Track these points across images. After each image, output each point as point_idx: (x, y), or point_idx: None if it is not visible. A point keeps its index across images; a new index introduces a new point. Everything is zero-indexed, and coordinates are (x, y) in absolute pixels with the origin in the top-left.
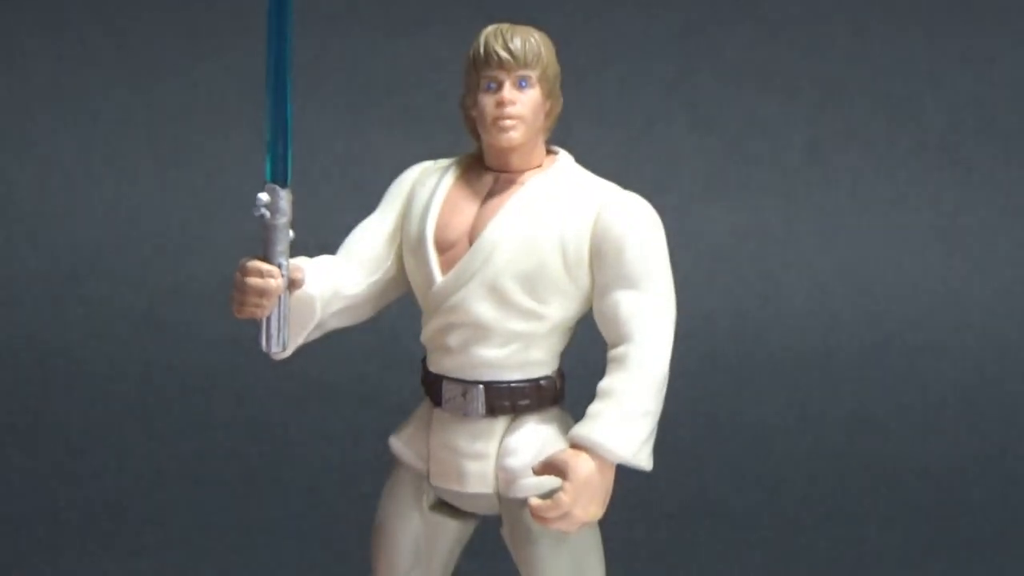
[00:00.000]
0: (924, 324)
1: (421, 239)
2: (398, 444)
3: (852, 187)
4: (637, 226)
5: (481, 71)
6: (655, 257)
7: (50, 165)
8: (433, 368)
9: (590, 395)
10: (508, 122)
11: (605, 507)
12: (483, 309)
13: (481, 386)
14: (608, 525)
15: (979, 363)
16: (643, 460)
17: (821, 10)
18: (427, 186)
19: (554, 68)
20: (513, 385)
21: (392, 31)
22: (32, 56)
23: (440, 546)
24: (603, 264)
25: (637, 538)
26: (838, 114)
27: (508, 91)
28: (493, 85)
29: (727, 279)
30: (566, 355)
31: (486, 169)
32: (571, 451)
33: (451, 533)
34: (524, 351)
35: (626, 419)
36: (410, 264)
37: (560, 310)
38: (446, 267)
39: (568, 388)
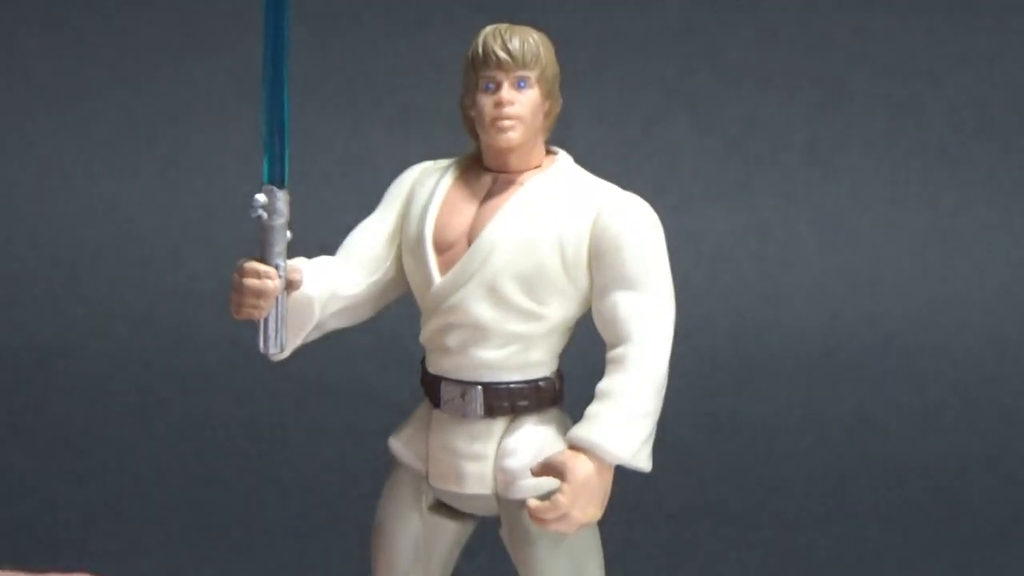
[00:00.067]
0: (924, 324)
1: (420, 239)
2: (397, 445)
3: (852, 187)
4: (636, 227)
5: (480, 71)
6: (654, 258)
7: (50, 165)
8: (432, 369)
9: (589, 396)
10: (507, 122)
11: (604, 508)
12: (482, 310)
13: (480, 387)
14: (608, 525)
15: (979, 363)
16: (642, 461)
17: (821, 10)
18: (426, 186)
19: (553, 68)
20: (512, 386)
21: (392, 31)
22: (32, 56)
23: (439, 547)
24: (602, 265)
25: (637, 538)
26: (838, 114)
27: (507, 91)
28: (492, 85)
29: (727, 279)
30: (565, 356)
31: (485, 169)
32: (570, 452)
33: (450, 534)
34: (523, 352)
35: (625, 420)
36: (409, 264)
37: (559, 311)
38: (445, 267)
39: (568, 389)
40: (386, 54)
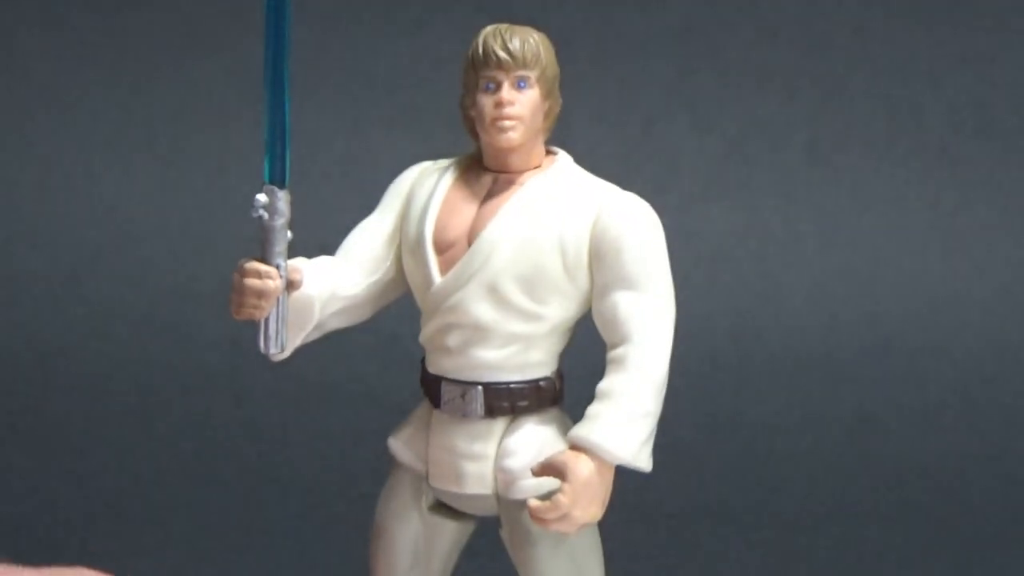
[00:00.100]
0: (924, 324)
1: (420, 239)
2: (397, 445)
3: (852, 187)
4: (636, 227)
5: (480, 71)
6: (654, 258)
7: (50, 165)
8: (432, 369)
9: (590, 396)
10: (507, 123)
11: (604, 508)
12: (482, 310)
13: (480, 387)
14: (608, 526)
15: (979, 363)
16: (643, 461)
17: (821, 10)
18: (426, 187)
19: (553, 68)
20: (512, 386)
21: (392, 31)
22: (32, 56)
23: (439, 547)
24: (602, 265)
25: (637, 538)
26: (838, 114)
27: (507, 91)
28: (492, 85)
29: (727, 279)
30: (565, 356)
31: (485, 169)
32: (570, 452)
33: (450, 534)
34: (523, 352)
35: (625, 420)
36: (409, 264)
37: (559, 311)
38: (445, 268)
39: (568, 388)
40: (386, 54)
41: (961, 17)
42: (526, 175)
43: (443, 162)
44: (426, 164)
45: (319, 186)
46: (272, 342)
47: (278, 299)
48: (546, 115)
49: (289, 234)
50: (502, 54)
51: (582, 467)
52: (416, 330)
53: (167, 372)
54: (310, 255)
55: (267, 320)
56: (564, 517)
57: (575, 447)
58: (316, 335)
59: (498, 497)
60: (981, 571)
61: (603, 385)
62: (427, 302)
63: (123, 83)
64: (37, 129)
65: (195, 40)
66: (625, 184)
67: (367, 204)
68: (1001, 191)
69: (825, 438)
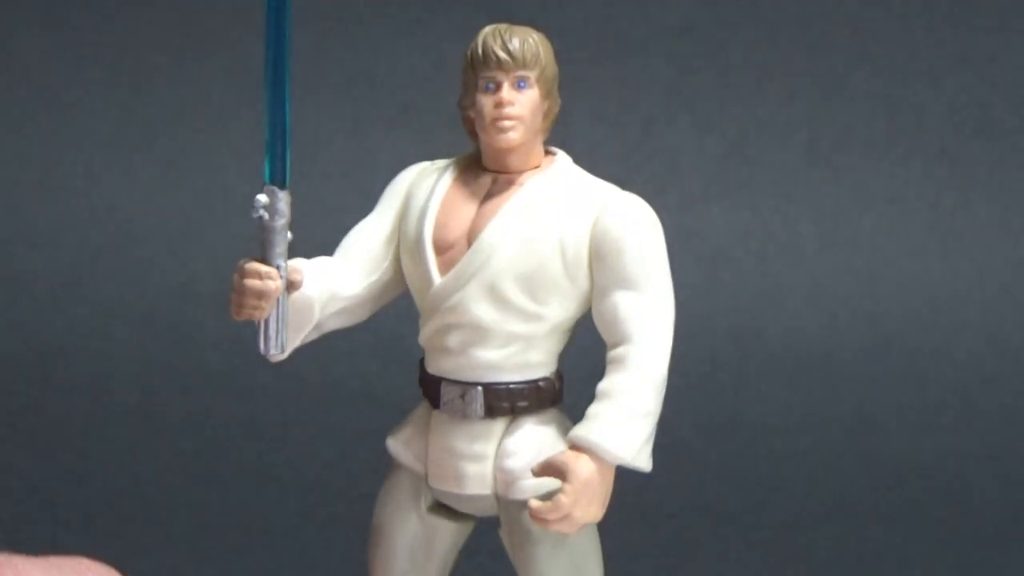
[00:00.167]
0: (924, 324)
1: (419, 240)
2: (396, 446)
3: (852, 187)
4: (636, 228)
5: (479, 71)
6: (654, 259)
7: (50, 165)
8: (431, 369)
9: (590, 396)
10: (507, 123)
11: (605, 508)
12: (482, 310)
13: (480, 387)
14: (608, 526)
15: (979, 363)
16: (643, 461)
17: (821, 10)
18: (424, 187)
19: (552, 68)
20: (512, 386)
21: (392, 31)
22: (32, 56)
23: (438, 548)
24: (602, 265)
25: (637, 538)
26: (838, 114)
27: (507, 92)
28: (492, 85)
29: (727, 279)
30: (565, 356)
31: (484, 170)
32: (571, 452)
33: (449, 535)
34: (523, 352)
35: (625, 420)
36: (408, 265)
37: (559, 311)
38: (445, 268)
39: (568, 389)
40: (386, 54)
41: (961, 17)
42: (525, 175)
43: (441, 162)
44: (424, 164)
45: (319, 186)
46: (272, 343)
47: (278, 300)
48: (545, 115)
49: (289, 235)
50: (502, 54)
51: (583, 467)
52: (416, 329)
53: (167, 372)
54: (310, 255)
55: (267, 321)
56: (565, 517)
57: (575, 447)
58: (315, 336)
59: (498, 497)
60: (981, 571)
61: (603, 385)
62: (426, 302)
63: (123, 83)
64: (37, 129)
65: (195, 40)
66: (625, 184)
67: (367, 204)
68: (1001, 191)
69: (825, 438)
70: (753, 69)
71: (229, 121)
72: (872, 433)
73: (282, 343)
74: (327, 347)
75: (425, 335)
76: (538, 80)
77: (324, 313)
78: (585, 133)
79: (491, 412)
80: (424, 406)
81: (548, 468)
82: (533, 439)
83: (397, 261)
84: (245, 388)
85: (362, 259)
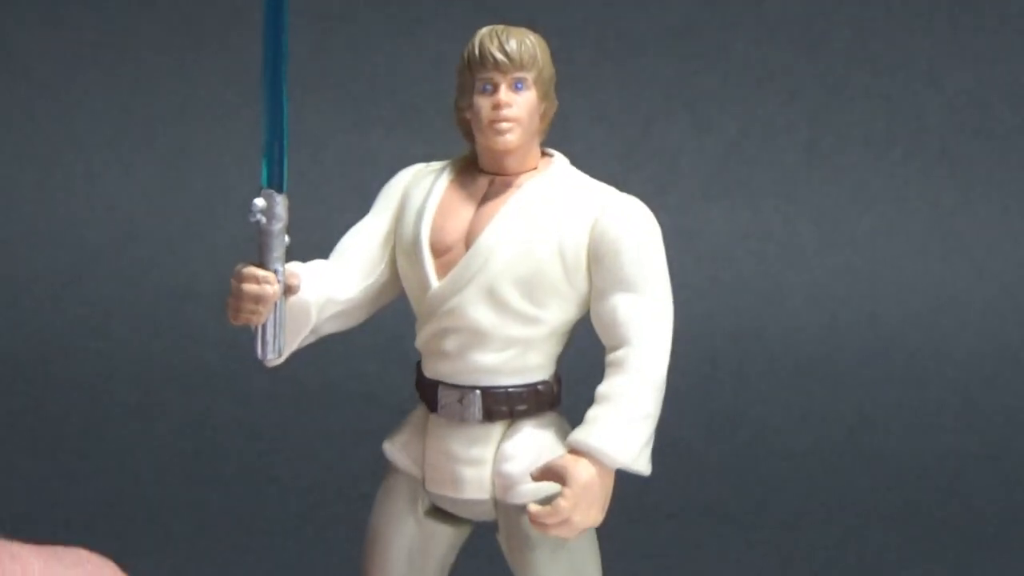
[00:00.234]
0: (924, 325)
1: (416, 243)
2: (393, 450)
3: (852, 187)
4: (634, 230)
5: (476, 73)
6: (652, 261)
7: (50, 165)
8: (428, 373)
9: (588, 399)
10: (504, 124)
11: (605, 513)
12: (480, 314)
13: (478, 391)
14: (608, 526)
15: (979, 363)
16: (642, 465)
17: (821, 10)
18: (421, 189)
19: (549, 70)
20: (510, 390)
21: (392, 31)
22: (32, 56)
23: (434, 553)
24: (601, 268)
25: (637, 538)
26: (838, 114)
27: (504, 93)
28: (489, 87)
29: (727, 279)
30: (564, 358)
31: (481, 172)
32: (570, 457)
33: (446, 540)
34: (521, 356)
35: (625, 423)
36: (404, 268)
37: (558, 314)
38: (442, 271)
39: (566, 391)
40: (386, 54)
41: (961, 17)
42: (523, 177)
43: (437, 164)
44: (419, 166)
45: (319, 187)
46: (269, 347)
47: (275, 304)
48: (543, 117)
49: (287, 239)
50: (499, 56)
51: (582, 471)
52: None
53: (167, 372)
54: (309, 256)
55: (264, 326)
56: (564, 522)
57: (574, 451)
58: (311, 340)
59: (496, 502)
60: (981, 571)
61: (602, 388)
62: (423, 306)
63: (123, 83)
64: (37, 129)
65: (195, 40)
66: (624, 184)
67: (366, 205)
68: (1001, 191)
69: (825, 438)
70: (753, 69)
71: (229, 121)
72: (872, 433)
73: (279, 347)
74: (327, 348)
75: (422, 339)
76: (535, 81)
77: (321, 317)
78: (585, 133)
79: (489, 416)
80: (421, 409)
81: (547, 472)
82: (532, 443)
83: (393, 264)
84: (245, 388)
85: (358, 262)
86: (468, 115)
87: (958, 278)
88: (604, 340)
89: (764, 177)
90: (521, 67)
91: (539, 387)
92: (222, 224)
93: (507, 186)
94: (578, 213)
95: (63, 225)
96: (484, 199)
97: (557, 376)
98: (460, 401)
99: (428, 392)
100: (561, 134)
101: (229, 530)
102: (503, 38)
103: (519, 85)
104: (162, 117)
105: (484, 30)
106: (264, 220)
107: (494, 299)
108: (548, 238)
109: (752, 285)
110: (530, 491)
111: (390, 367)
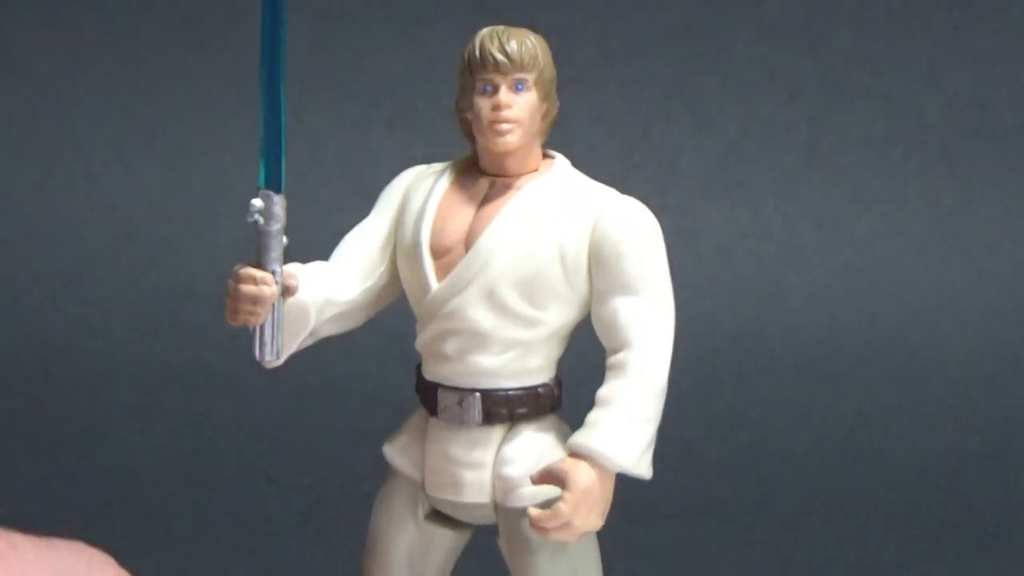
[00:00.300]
0: (924, 325)
1: (416, 244)
2: (392, 453)
3: (852, 187)
4: (635, 232)
5: (477, 74)
6: (653, 263)
7: (50, 165)
8: (428, 376)
9: (589, 402)
10: (505, 126)
11: (605, 517)
12: (481, 316)
13: (478, 394)
14: (608, 526)
15: (979, 363)
16: (643, 468)
17: (821, 10)
18: (421, 190)
19: (550, 71)
20: (510, 393)
21: (392, 31)
22: (32, 56)
23: (434, 556)
24: (602, 270)
25: (637, 538)
26: (838, 114)
27: (505, 94)
28: (489, 88)
29: (727, 279)
30: (564, 361)
31: (481, 173)
32: (571, 460)
33: (446, 543)
34: (522, 358)
35: (625, 427)
36: (404, 270)
37: (558, 316)
38: (442, 273)
39: (567, 394)
40: (386, 54)
41: (961, 17)
42: (524, 179)
43: (437, 165)
44: (420, 168)
45: (318, 187)
46: (267, 349)
47: (274, 306)
48: (543, 118)
49: (285, 239)
50: (500, 56)
51: (582, 475)
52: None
53: (167, 372)
54: (308, 256)
55: (262, 327)
56: (564, 526)
57: (575, 454)
58: (310, 341)
59: (496, 505)
60: (981, 571)
61: (603, 391)
62: (423, 308)
63: (123, 83)
64: (37, 129)
65: (195, 40)
66: (624, 184)
67: (366, 205)
68: (1001, 191)
69: (825, 438)
70: (753, 69)
71: (229, 121)
72: (872, 433)
73: (277, 349)
74: (327, 347)
75: (422, 341)
76: (536, 82)
77: (319, 319)
78: (585, 133)
79: (489, 419)
80: (421, 412)
81: (547, 476)
82: (532, 446)
83: (393, 266)
84: (245, 388)
85: (358, 264)
86: (468, 116)
87: (958, 278)
88: (605, 343)
89: (764, 177)
90: (521, 68)
91: (539, 390)
92: (222, 224)
93: (507, 188)
94: (579, 215)
95: (63, 225)
96: (484, 201)
97: (557, 379)
98: (460, 404)
99: (428, 395)
100: (561, 134)
101: (229, 530)
102: (503, 39)
103: (519, 86)
104: (162, 117)
105: (484, 31)
106: (262, 221)
107: (494, 301)
108: (549, 240)
109: (752, 285)
110: (530, 495)
111: (391, 366)
